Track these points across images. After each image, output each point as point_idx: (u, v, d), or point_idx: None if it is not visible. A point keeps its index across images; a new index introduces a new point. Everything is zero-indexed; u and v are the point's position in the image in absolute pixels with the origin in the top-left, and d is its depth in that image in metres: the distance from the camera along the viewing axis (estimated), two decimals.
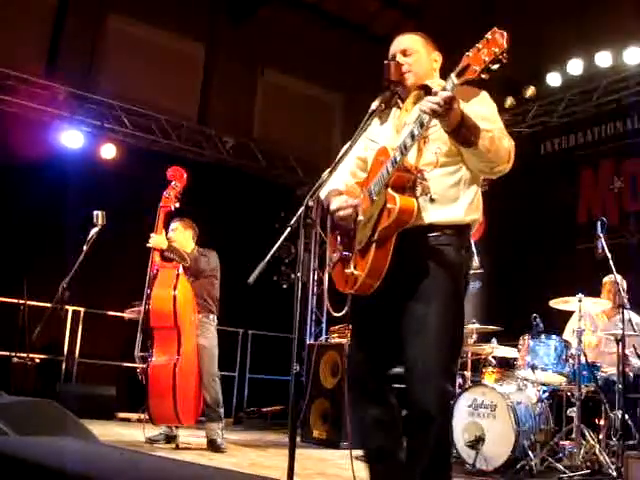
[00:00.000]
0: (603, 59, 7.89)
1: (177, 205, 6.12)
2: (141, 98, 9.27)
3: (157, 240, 5.95)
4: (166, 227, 6.16)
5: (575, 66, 8.15)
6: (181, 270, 5.92)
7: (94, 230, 5.68)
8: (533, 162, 8.72)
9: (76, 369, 8.58)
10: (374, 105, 2.95)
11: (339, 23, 10.80)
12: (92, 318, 8.80)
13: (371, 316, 3.01)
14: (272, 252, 2.64)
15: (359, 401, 3.09)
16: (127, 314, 6.44)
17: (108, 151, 9.09)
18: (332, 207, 3.03)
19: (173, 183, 6.14)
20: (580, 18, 8.46)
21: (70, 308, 8.31)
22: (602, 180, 8.33)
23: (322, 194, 3.09)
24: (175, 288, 5.77)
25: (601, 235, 5.34)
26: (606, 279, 6.15)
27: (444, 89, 2.59)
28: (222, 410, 6.07)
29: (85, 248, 5.70)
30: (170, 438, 6.04)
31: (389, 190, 2.80)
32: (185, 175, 6.21)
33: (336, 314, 3.06)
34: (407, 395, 2.86)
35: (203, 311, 6.14)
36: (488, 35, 2.46)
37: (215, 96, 10.15)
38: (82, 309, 8.67)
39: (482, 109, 2.88)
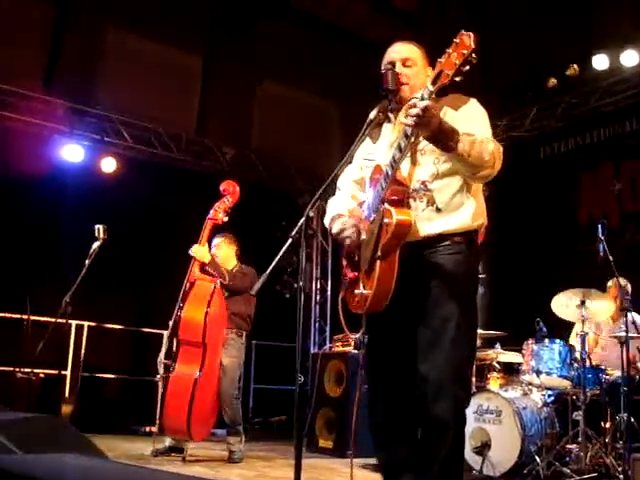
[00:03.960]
0: (600, 62, 7.91)
1: (226, 219, 6.11)
2: (140, 111, 9.28)
3: (200, 252, 5.92)
4: (210, 240, 6.18)
5: (573, 69, 8.16)
6: (218, 284, 5.90)
7: (96, 244, 5.67)
8: (533, 166, 8.74)
9: (80, 383, 8.57)
10: (372, 115, 2.95)
11: (334, 31, 10.81)
12: (96, 332, 8.80)
13: (389, 330, 3.00)
14: (274, 263, 2.65)
15: (381, 414, 3.07)
16: None
17: (108, 164, 9.09)
18: (334, 230, 3.03)
19: (225, 197, 6.13)
20: (576, 21, 8.48)
21: (73, 322, 8.31)
22: (602, 182, 8.33)
23: (326, 221, 3.13)
24: (209, 304, 5.71)
25: (602, 237, 5.34)
26: (610, 282, 6.15)
27: (422, 98, 2.60)
28: (241, 427, 6.09)
29: (87, 262, 5.70)
30: (177, 450, 6.01)
31: (385, 205, 2.81)
32: (238, 189, 6.19)
33: (353, 336, 3.07)
34: (423, 401, 2.85)
35: (234, 328, 6.14)
36: (456, 39, 2.49)
37: (213, 107, 10.16)
38: (85, 323, 8.67)
39: (468, 114, 2.90)
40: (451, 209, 2.92)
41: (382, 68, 3.06)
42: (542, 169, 8.78)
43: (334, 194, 3.26)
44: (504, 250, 8.61)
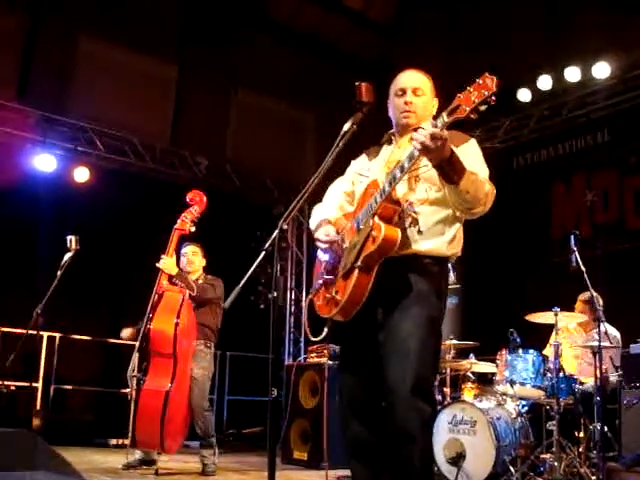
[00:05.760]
0: (572, 74, 8.00)
1: (193, 229, 6.06)
2: (114, 120, 9.22)
3: (168, 264, 5.85)
4: (177, 250, 6.11)
5: (545, 82, 8.25)
6: (187, 296, 5.83)
7: (68, 255, 5.62)
8: (505, 177, 8.79)
9: (52, 395, 8.46)
10: (346, 127, 3.01)
11: (311, 43, 10.84)
12: (68, 344, 8.70)
13: (357, 340, 3.08)
14: (247, 276, 2.66)
15: (351, 423, 3.11)
16: (124, 334, 6.31)
17: (81, 174, 9.02)
18: (316, 235, 3.13)
19: (192, 207, 6.09)
20: (549, 34, 8.57)
21: (45, 334, 8.20)
22: (574, 194, 8.41)
23: (312, 224, 3.21)
24: (178, 315, 5.63)
25: (575, 248, 5.37)
26: (580, 297, 6.17)
27: (435, 126, 2.66)
28: (214, 439, 6.02)
29: (59, 273, 5.64)
30: (148, 463, 5.94)
31: (375, 219, 2.89)
32: (205, 199, 6.15)
33: (314, 339, 3.10)
34: (388, 414, 2.89)
35: (202, 339, 6.09)
36: (479, 80, 2.56)
37: (188, 117, 10.12)
38: (57, 335, 8.56)
39: (468, 152, 2.97)
40: (431, 234, 3.01)
41: (391, 93, 3.16)
42: (515, 180, 8.84)
43: (309, 205, 3.31)
44: (478, 261, 8.64)
